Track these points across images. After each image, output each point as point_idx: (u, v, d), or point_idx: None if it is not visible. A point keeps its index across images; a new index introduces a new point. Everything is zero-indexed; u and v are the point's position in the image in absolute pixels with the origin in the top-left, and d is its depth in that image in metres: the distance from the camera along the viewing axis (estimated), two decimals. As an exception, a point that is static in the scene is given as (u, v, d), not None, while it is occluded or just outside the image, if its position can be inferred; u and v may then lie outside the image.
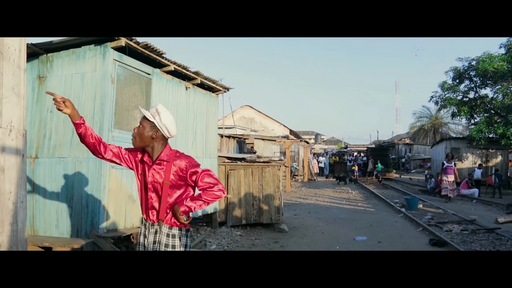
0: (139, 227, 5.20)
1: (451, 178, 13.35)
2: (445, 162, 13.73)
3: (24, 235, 2.63)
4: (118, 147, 2.60)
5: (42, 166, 4.87)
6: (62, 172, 4.77)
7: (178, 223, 2.46)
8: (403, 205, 11.62)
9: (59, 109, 2.36)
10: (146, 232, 2.50)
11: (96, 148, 2.50)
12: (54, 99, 2.35)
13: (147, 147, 2.48)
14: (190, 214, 2.47)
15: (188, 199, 2.42)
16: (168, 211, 2.46)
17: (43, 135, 4.92)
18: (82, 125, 2.45)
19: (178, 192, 2.47)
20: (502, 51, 15.19)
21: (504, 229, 7.93)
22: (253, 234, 7.44)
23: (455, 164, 13.97)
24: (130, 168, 2.60)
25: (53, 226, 4.75)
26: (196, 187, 2.50)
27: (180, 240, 2.48)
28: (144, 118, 2.46)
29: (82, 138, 2.48)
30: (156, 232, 2.47)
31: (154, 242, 2.46)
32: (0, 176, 2.43)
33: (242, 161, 8.23)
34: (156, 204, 2.48)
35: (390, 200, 13.06)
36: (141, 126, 2.45)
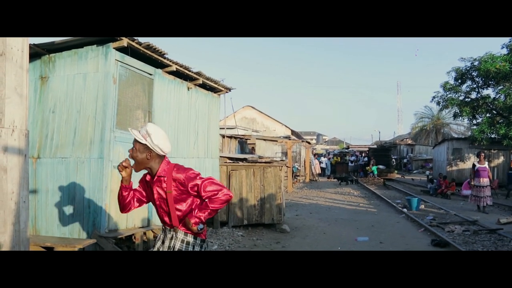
0: (140, 228, 5.23)
1: (486, 182, 10.73)
2: (476, 163, 11.08)
3: (26, 235, 2.63)
4: (139, 191, 2.70)
5: (44, 166, 4.88)
6: (64, 172, 4.78)
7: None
8: (405, 206, 11.59)
9: (118, 170, 2.55)
10: (164, 238, 2.59)
11: (128, 206, 2.67)
12: (120, 165, 2.52)
13: (146, 168, 2.55)
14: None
15: (197, 209, 2.48)
16: (181, 221, 2.52)
17: (45, 135, 4.93)
18: (128, 189, 2.60)
19: (186, 203, 2.52)
20: (504, 51, 15.13)
21: (507, 229, 7.90)
22: (254, 234, 7.43)
23: (488, 165, 11.35)
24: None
25: (55, 226, 4.77)
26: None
27: (193, 248, 2.52)
28: (136, 140, 2.49)
29: (121, 198, 2.64)
30: (172, 238, 2.54)
31: (168, 247, 2.53)
32: (3, 176, 2.43)
33: (244, 161, 8.22)
34: (167, 218, 2.56)
35: (392, 201, 13.02)
36: (134, 148, 2.51)
